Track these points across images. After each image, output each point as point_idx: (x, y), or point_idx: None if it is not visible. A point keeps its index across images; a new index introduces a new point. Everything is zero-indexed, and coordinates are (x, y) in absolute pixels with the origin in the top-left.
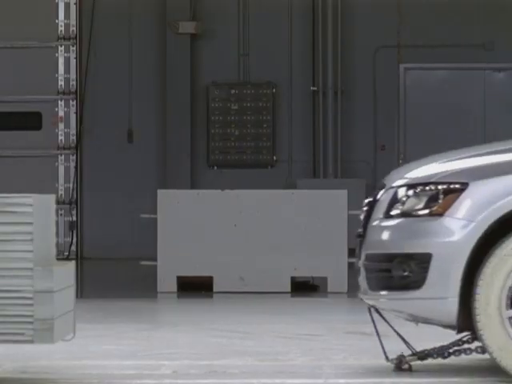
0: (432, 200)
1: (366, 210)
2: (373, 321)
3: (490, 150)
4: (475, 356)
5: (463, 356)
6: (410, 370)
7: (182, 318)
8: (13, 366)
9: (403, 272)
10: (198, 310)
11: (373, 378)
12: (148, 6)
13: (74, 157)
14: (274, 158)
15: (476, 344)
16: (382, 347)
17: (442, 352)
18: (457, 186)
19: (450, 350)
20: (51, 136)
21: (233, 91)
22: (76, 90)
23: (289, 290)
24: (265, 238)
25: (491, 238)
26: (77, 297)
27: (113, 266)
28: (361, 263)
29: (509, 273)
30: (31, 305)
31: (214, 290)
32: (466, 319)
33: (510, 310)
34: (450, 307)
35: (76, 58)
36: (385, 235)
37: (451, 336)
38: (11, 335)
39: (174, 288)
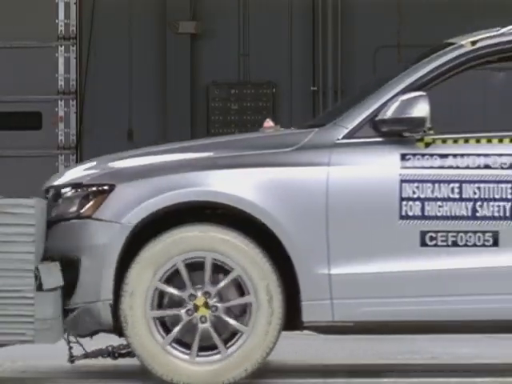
0: (83, 202)
1: None
2: None
3: (143, 152)
4: None
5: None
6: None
7: None
8: (13, 366)
9: None
10: None
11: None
12: (148, 5)
13: (74, 157)
14: None
15: None
16: (69, 348)
17: (100, 353)
18: (105, 187)
19: (111, 351)
20: (51, 136)
21: (233, 91)
22: (76, 90)
23: None
24: None
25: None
26: None
27: None
28: None
29: (146, 295)
30: (32, 305)
31: None
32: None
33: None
34: (103, 311)
35: (76, 57)
36: None
37: None
38: (12, 335)
39: None
